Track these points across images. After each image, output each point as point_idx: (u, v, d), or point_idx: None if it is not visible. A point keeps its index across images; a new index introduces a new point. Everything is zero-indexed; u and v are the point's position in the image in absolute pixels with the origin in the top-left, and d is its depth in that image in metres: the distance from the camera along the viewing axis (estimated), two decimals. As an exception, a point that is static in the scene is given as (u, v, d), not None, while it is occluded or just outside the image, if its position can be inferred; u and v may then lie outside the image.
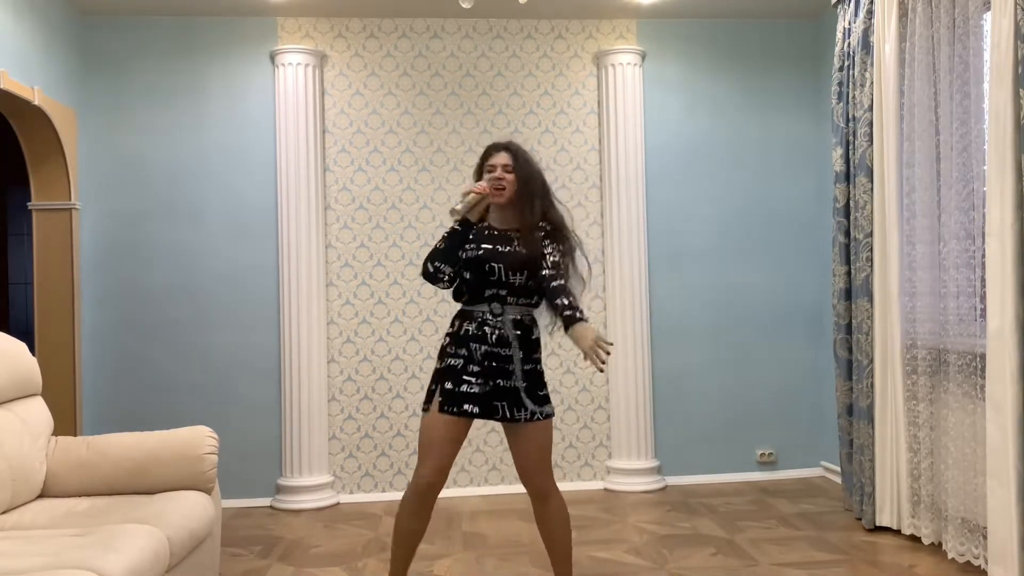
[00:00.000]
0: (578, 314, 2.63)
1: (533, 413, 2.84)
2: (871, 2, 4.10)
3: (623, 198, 5.01)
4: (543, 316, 2.93)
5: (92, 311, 4.81)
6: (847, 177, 4.29)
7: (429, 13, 4.99)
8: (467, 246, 2.89)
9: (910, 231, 3.92)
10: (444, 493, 4.92)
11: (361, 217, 5.00)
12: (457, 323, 2.92)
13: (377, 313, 5.00)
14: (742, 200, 5.22)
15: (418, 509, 2.91)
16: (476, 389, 2.82)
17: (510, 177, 2.91)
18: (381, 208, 5.01)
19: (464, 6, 3.50)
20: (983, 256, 3.43)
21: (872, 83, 4.07)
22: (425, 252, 4.92)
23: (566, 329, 2.66)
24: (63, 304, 4.56)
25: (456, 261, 2.90)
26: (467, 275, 2.89)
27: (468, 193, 2.89)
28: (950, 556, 3.60)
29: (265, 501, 4.87)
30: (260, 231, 4.92)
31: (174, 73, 4.91)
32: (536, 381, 2.88)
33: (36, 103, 4.16)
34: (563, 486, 5.13)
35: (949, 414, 3.66)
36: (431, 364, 4.96)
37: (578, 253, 2.93)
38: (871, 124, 4.08)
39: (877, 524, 4.07)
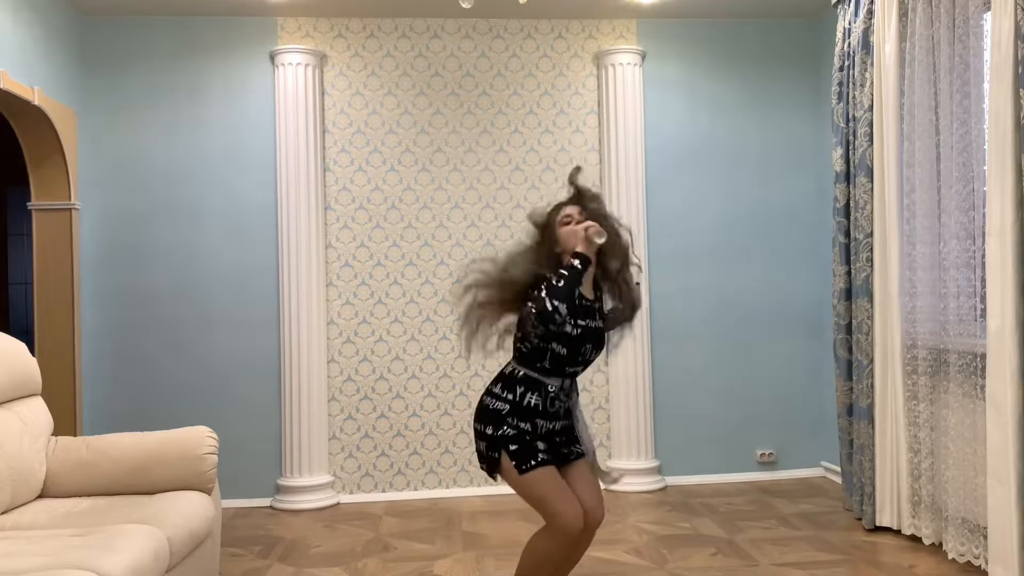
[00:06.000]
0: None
1: (582, 447, 2.79)
2: (871, 2, 4.10)
3: (623, 198, 5.01)
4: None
5: (92, 311, 4.81)
6: (847, 177, 4.29)
7: (429, 13, 4.99)
8: (567, 317, 2.63)
9: (910, 231, 3.91)
10: (444, 493, 4.97)
11: (361, 217, 5.00)
12: (520, 391, 2.66)
13: (377, 313, 5.00)
14: (742, 200, 5.22)
15: (571, 555, 2.76)
16: (542, 445, 2.66)
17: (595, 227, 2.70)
18: (381, 208, 5.01)
19: (464, 6, 3.50)
20: (983, 256, 3.43)
21: (872, 83, 4.07)
22: (425, 252, 5.00)
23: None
24: (63, 304, 4.56)
25: (571, 303, 2.64)
26: (558, 349, 2.66)
27: (589, 227, 2.65)
28: (950, 556, 3.60)
29: (265, 501, 4.87)
30: (260, 231, 4.92)
31: (174, 73, 4.91)
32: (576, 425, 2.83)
33: (36, 103, 4.16)
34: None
35: (949, 414, 3.66)
36: (431, 364, 5.00)
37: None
38: (871, 124, 4.08)
39: (877, 524, 4.07)
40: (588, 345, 2.72)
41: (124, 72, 4.89)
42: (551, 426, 2.69)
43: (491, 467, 2.67)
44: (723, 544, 3.94)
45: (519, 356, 2.72)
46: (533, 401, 2.64)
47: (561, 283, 2.60)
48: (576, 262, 2.64)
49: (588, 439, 2.82)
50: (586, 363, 2.77)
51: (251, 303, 4.91)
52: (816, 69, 5.24)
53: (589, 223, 2.70)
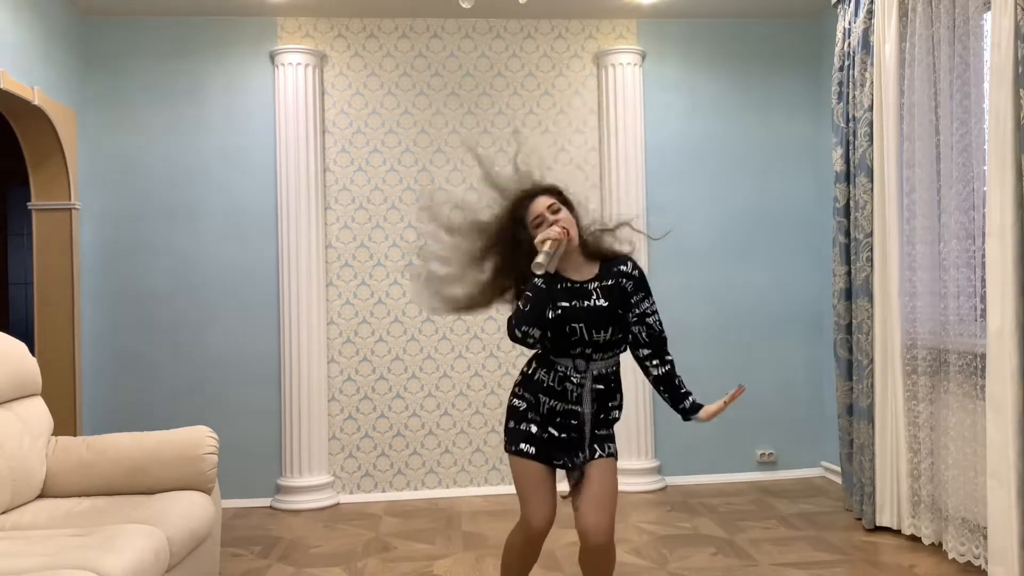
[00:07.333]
0: (692, 400, 2.82)
1: (594, 452, 2.65)
2: (871, 2, 4.10)
3: (623, 198, 5.01)
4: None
5: (92, 311, 4.81)
6: (847, 177, 4.29)
7: (429, 13, 4.99)
8: (538, 330, 2.58)
9: (910, 231, 3.92)
10: (444, 493, 4.96)
11: (361, 217, 5.00)
12: (535, 366, 2.68)
13: (377, 313, 5.00)
14: (742, 200, 5.22)
15: (528, 552, 2.74)
16: (535, 429, 2.63)
17: (565, 216, 2.63)
18: (381, 208, 5.01)
19: (464, 6, 3.49)
20: (983, 256, 3.44)
21: (872, 83, 4.07)
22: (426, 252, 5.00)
23: (686, 414, 2.82)
24: (63, 304, 4.56)
25: (545, 321, 2.57)
26: (548, 335, 2.60)
27: (545, 241, 2.53)
28: (950, 556, 3.60)
29: (265, 501, 4.87)
30: (260, 231, 4.92)
31: (174, 73, 4.91)
32: (604, 424, 2.69)
33: (36, 103, 4.16)
34: (562, 487, 5.14)
35: (949, 414, 3.66)
36: (431, 364, 5.01)
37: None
38: (871, 124, 4.08)
39: (877, 524, 4.07)
40: (576, 325, 2.58)
41: (124, 72, 4.89)
42: (555, 406, 2.62)
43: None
44: (723, 544, 3.94)
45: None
46: (540, 376, 2.66)
47: (528, 307, 2.54)
48: (537, 279, 2.54)
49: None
50: (590, 344, 2.60)
51: (251, 303, 4.91)
52: (816, 69, 5.24)
53: (553, 231, 2.55)
